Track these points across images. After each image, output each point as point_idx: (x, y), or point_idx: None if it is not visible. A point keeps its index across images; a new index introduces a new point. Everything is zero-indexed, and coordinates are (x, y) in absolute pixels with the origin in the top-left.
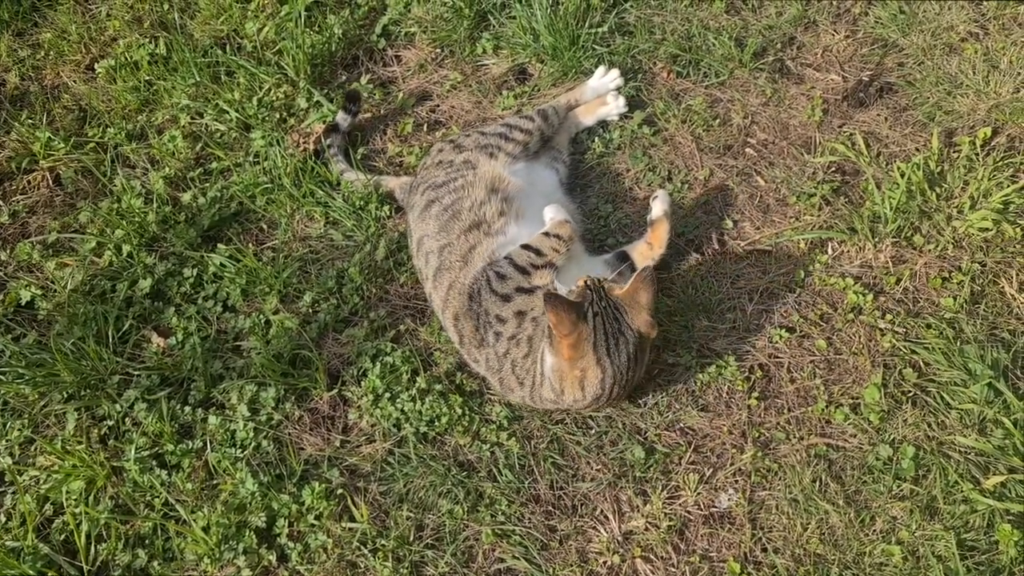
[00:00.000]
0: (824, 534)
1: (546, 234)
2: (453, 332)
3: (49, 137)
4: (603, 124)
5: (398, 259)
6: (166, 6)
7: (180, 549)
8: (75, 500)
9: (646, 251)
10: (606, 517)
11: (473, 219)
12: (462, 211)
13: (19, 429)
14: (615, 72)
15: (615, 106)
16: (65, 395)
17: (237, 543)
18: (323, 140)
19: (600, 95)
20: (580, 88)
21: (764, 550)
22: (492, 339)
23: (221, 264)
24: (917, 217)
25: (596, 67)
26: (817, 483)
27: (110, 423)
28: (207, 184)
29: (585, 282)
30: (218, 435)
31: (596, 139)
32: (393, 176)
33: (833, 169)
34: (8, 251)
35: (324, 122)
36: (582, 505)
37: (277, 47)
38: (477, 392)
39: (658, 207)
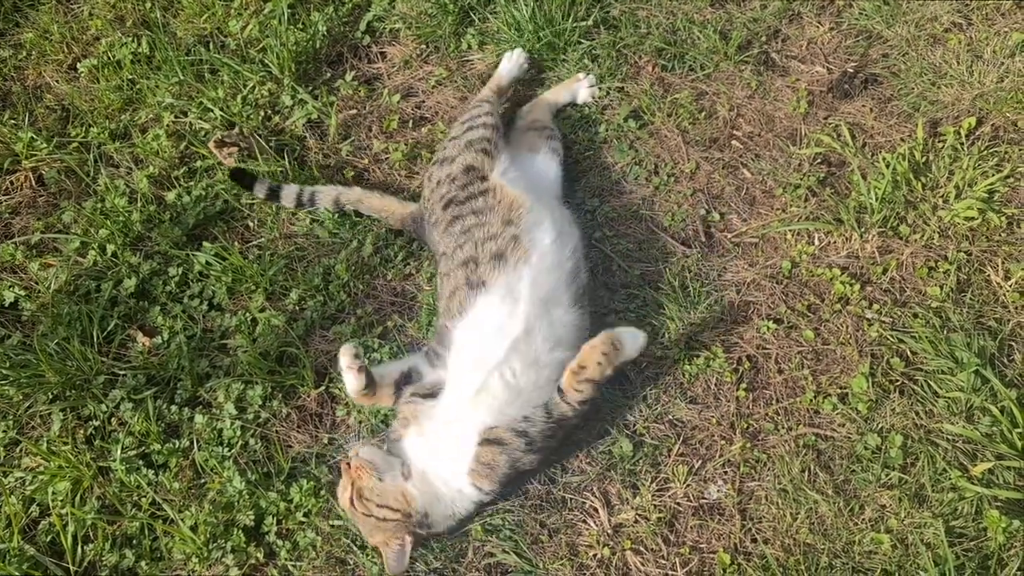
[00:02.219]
0: (813, 524)
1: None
2: None
3: (32, 137)
4: (588, 120)
5: (385, 255)
6: (148, 4)
7: (168, 549)
8: (61, 501)
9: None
10: (595, 510)
11: (470, 254)
12: (467, 243)
13: (4, 430)
14: (519, 51)
15: (585, 83)
16: (50, 396)
17: (225, 542)
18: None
19: (515, 77)
20: (496, 75)
21: (754, 540)
22: None
23: (207, 262)
24: (903, 207)
25: (580, 61)
26: (806, 473)
27: (96, 423)
28: (192, 183)
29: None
30: (205, 434)
31: (581, 133)
32: (398, 202)
33: (819, 160)
34: None
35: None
36: (571, 499)
37: (261, 45)
38: None
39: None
